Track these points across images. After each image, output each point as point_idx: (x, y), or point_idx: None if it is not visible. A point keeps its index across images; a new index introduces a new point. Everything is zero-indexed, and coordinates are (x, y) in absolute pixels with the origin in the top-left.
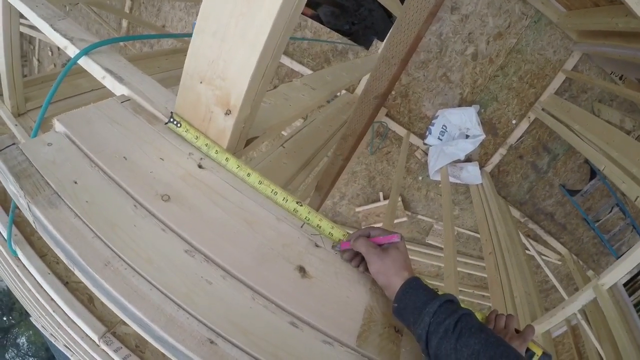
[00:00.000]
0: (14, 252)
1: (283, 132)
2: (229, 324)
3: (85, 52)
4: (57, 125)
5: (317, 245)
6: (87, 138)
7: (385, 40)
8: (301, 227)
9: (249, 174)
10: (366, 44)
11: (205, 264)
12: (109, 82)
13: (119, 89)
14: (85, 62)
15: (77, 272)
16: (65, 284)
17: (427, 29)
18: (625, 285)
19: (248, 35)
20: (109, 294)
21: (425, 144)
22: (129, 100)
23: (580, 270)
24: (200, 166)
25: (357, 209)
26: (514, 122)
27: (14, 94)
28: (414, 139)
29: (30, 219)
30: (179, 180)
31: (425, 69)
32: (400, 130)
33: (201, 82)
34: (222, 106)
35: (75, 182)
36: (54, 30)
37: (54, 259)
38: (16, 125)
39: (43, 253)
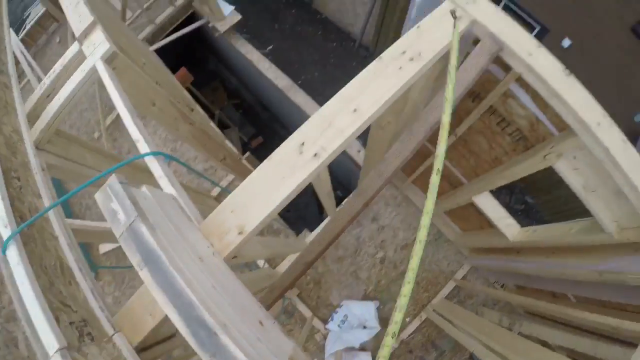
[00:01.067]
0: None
1: None
2: (237, 317)
3: (154, 154)
4: (144, 188)
5: (263, 324)
6: (161, 205)
7: (314, 234)
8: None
9: None
10: (296, 230)
11: (217, 290)
12: (164, 183)
13: (169, 190)
14: (150, 160)
15: (144, 272)
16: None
17: (346, 229)
18: None
19: (271, 197)
20: (175, 284)
21: (326, 328)
22: (175, 199)
23: None
24: (213, 254)
25: None
26: (407, 320)
27: (47, 130)
28: (317, 323)
29: (119, 231)
30: (204, 254)
31: (339, 264)
32: (307, 312)
33: (232, 212)
34: (238, 229)
35: (175, 225)
36: (134, 123)
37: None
38: (34, 156)
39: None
